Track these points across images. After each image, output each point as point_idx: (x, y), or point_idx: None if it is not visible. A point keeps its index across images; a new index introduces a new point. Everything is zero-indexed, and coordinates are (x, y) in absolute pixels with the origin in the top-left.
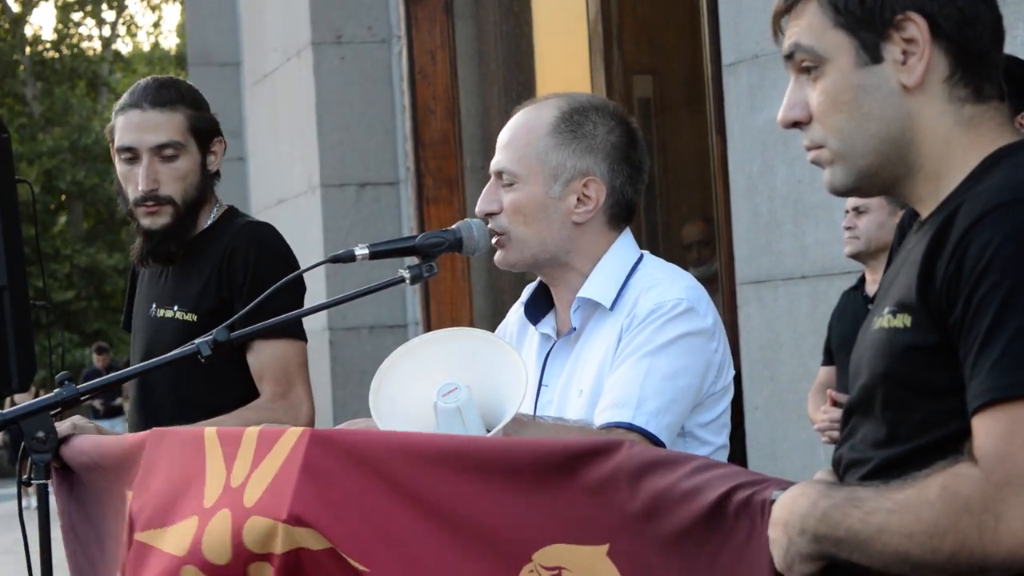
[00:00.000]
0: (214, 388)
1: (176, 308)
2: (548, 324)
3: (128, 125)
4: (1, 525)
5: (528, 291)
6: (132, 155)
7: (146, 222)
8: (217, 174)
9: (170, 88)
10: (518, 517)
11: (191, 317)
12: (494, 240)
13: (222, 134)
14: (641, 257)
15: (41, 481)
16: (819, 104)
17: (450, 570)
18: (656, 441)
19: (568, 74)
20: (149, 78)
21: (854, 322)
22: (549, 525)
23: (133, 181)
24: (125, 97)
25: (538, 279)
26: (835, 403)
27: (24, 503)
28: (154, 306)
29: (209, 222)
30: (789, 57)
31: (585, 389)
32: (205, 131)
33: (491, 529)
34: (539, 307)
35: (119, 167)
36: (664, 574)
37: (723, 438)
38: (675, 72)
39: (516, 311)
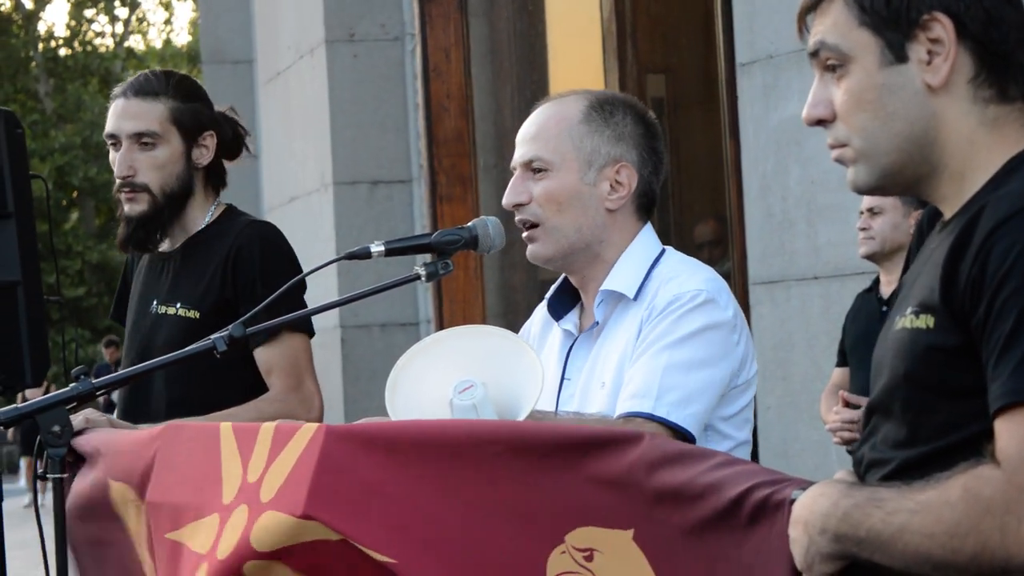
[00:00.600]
0: (209, 387)
1: (179, 305)
2: (571, 320)
3: (113, 113)
4: (14, 520)
5: (552, 289)
6: (114, 142)
7: (126, 208)
8: (214, 168)
9: (156, 79)
10: (550, 498)
11: (193, 314)
12: (524, 234)
13: (220, 128)
14: (663, 251)
15: (57, 475)
16: (843, 103)
17: (480, 553)
18: (681, 431)
19: (581, 72)
20: (148, 70)
21: (868, 324)
22: (579, 507)
23: (116, 167)
24: (116, 88)
25: (561, 277)
26: (847, 404)
27: (29, 500)
28: (155, 302)
29: (207, 219)
30: (814, 55)
31: (607, 382)
32: (191, 123)
33: (523, 511)
34: (563, 304)
35: (110, 154)
36: (689, 561)
37: (745, 433)
38: (689, 71)
39: (540, 309)
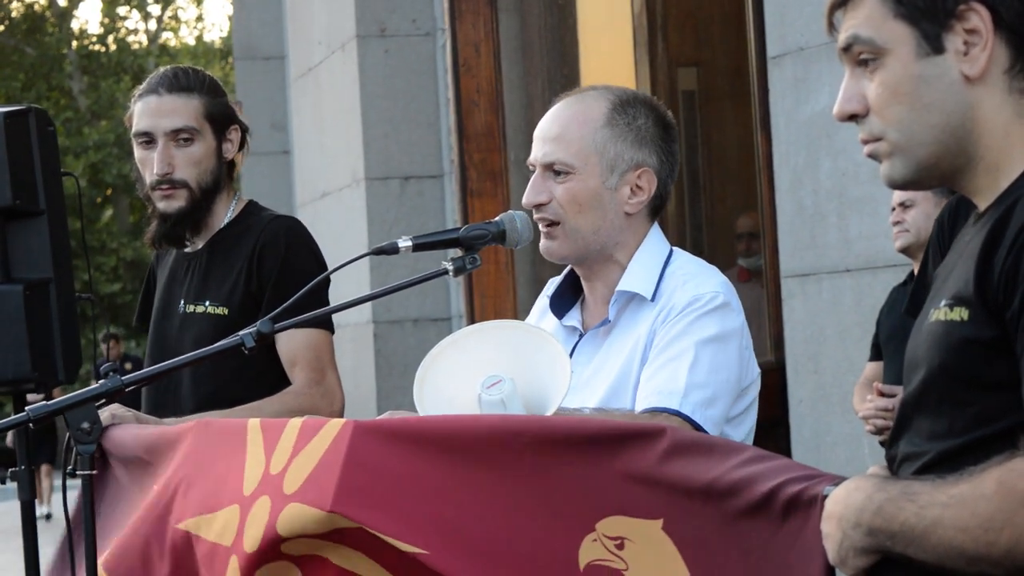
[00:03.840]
0: (236, 384)
1: (208, 303)
2: (574, 317)
3: (145, 110)
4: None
5: (553, 285)
6: (148, 139)
7: (161, 205)
8: (234, 163)
9: (187, 75)
10: (580, 489)
11: (222, 311)
12: (544, 230)
13: (239, 123)
14: (672, 251)
15: (86, 472)
16: (878, 95)
17: (511, 543)
18: (701, 431)
19: (612, 67)
20: (168, 67)
21: (903, 317)
22: (609, 498)
23: (149, 165)
24: (143, 85)
25: (563, 274)
26: (881, 394)
27: (40, 511)
28: (182, 302)
29: (229, 215)
30: (846, 49)
31: (611, 376)
32: (221, 118)
33: (552, 501)
34: (565, 300)
35: (137, 152)
36: (721, 551)
37: (742, 432)
38: (720, 64)
39: (539, 304)
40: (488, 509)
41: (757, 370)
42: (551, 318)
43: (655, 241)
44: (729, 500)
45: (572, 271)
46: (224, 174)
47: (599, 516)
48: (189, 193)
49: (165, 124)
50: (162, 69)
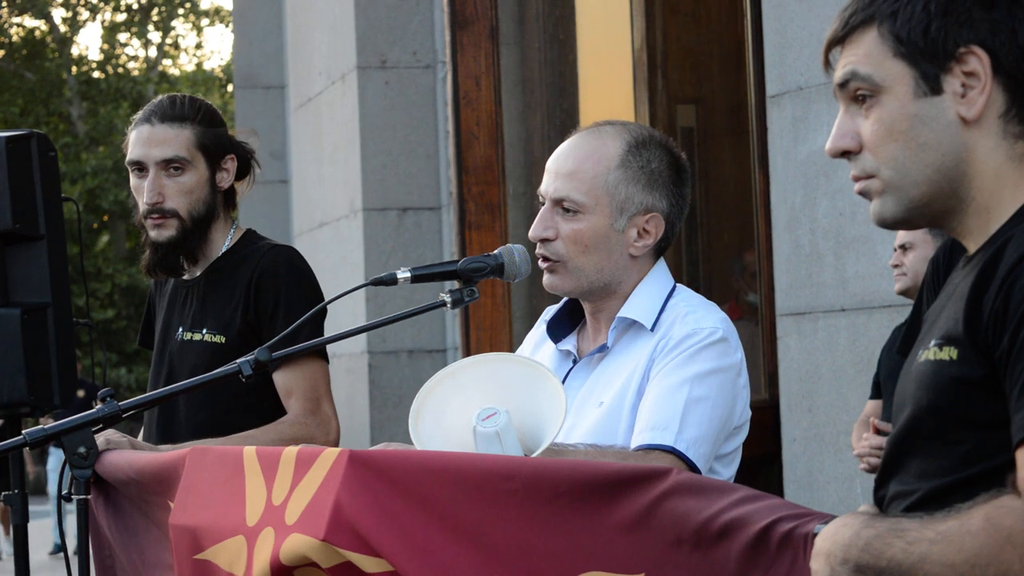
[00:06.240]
0: (232, 412)
1: (204, 331)
2: (570, 342)
3: (138, 139)
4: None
5: (551, 311)
6: (140, 168)
7: (153, 234)
8: (232, 192)
9: (181, 104)
10: (559, 542)
11: (220, 339)
12: (544, 264)
13: (239, 151)
14: (675, 285)
15: (82, 496)
16: (873, 133)
17: None
18: (694, 469)
19: (612, 102)
20: (165, 95)
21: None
22: (588, 551)
23: (142, 194)
24: (139, 113)
25: (562, 302)
26: (877, 431)
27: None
28: (180, 329)
29: (227, 243)
30: (843, 85)
31: (606, 401)
32: (215, 147)
33: (529, 553)
34: (562, 327)
35: (131, 180)
36: None
37: (731, 471)
38: (719, 102)
39: (535, 332)
40: (464, 554)
41: (749, 413)
42: (548, 344)
43: (660, 274)
44: (719, 543)
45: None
46: (220, 203)
47: (577, 571)
48: (180, 223)
49: (156, 154)
50: (159, 97)
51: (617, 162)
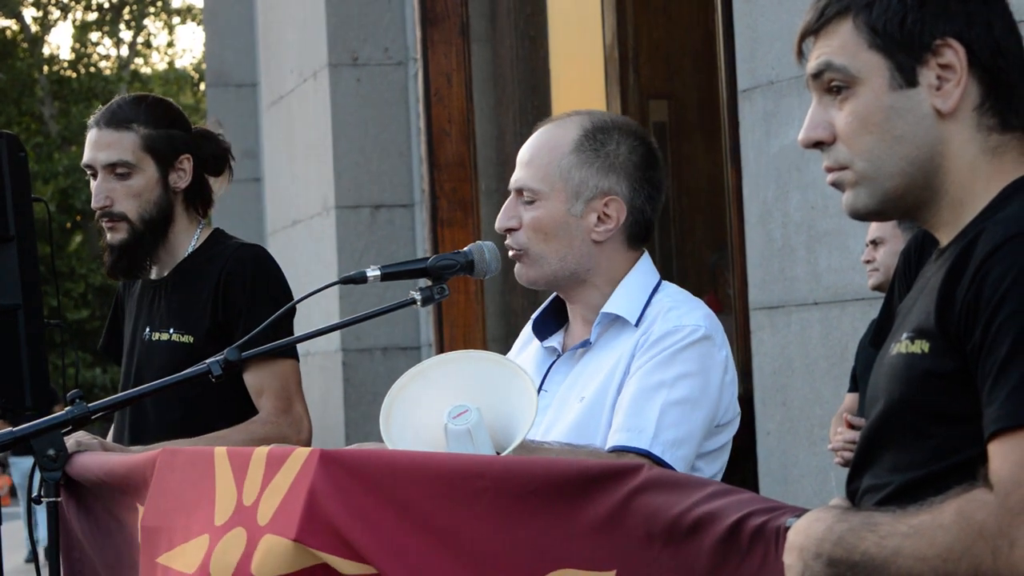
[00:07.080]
0: (202, 412)
1: (172, 331)
2: (556, 339)
3: (88, 143)
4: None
5: (539, 311)
6: (92, 172)
7: (108, 236)
8: (195, 190)
9: (127, 107)
10: (527, 540)
11: (188, 339)
12: (512, 255)
13: (196, 150)
14: (660, 281)
15: (52, 499)
16: (847, 124)
17: None
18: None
19: (584, 98)
20: (116, 98)
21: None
22: (558, 549)
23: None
24: (91, 116)
25: (552, 297)
26: (851, 426)
27: None
28: (148, 329)
29: (193, 243)
30: (816, 76)
31: (587, 396)
32: (165, 149)
33: (499, 552)
34: (548, 325)
35: (91, 182)
36: None
37: (716, 468)
38: (690, 97)
39: (524, 332)
40: (434, 552)
41: (737, 410)
42: (535, 342)
43: (644, 270)
44: (690, 539)
45: (558, 296)
46: (177, 203)
47: (546, 569)
48: (129, 226)
49: (101, 158)
50: (113, 100)
51: (571, 147)
